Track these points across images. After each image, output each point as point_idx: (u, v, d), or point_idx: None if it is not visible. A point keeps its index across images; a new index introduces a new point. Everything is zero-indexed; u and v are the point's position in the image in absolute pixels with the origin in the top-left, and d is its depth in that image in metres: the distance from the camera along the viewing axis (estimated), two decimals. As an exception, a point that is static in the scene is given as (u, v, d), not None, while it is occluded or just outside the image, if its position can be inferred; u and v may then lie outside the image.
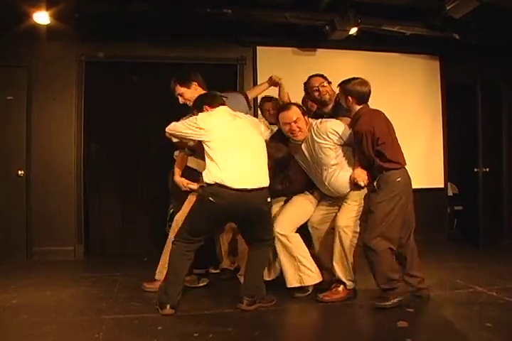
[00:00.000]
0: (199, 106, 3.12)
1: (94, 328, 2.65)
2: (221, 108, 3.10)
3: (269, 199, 3.03)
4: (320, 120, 3.30)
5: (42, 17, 4.08)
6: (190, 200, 3.39)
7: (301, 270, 3.28)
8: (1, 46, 4.49)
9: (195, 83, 3.49)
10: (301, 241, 3.35)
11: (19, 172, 4.62)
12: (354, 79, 3.16)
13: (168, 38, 4.76)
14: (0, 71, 4.60)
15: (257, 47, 5.07)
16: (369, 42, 5.03)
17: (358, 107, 3.14)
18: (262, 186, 2.94)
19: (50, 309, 3.02)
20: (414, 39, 4.90)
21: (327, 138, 3.19)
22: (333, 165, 3.21)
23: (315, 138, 3.22)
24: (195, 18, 4.46)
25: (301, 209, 3.45)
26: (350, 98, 3.13)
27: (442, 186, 5.52)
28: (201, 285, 3.62)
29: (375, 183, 3.12)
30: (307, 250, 3.36)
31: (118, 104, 4.88)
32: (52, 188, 4.68)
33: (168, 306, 2.91)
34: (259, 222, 3.06)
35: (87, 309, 3.02)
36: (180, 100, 3.51)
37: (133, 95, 4.86)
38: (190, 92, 3.46)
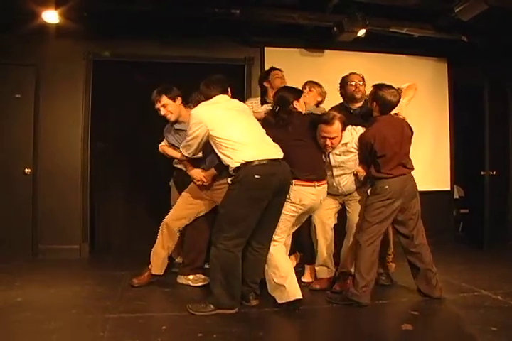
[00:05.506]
0: (223, 85, 3.14)
1: (98, 326, 2.66)
2: (222, 96, 3.12)
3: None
4: (352, 127, 3.33)
5: (51, 16, 4.11)
6: (180, 205, 3.50)
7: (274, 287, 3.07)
8: (9, 44, 4.51)
9: (180, 98, 3.47)
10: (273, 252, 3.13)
11: (26, 170, 4.63)
12: (389, 87, 3.20)
13: (176, 37, 4.77)
14: (8, 69, 4.62)
15: (265, 48, 5.07)
16: (377, 43, 5.03)
17: (377, 114, 3.22)
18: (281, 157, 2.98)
19: (55, 307, 3.04)
20: (422, 41, 4.88)
21: (357, 148, 3.30)
22: (353, 170, 3.35)
23: (350, 148, 3.30)
24: (203, 18, 4.47)
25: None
26: (375, 103, 3.19)
27: (448, 189, 5.51)
28: (203, 284, 3.58)
29: (368, 191, 3.31)
30: (283, 264, 3.11)
31: (125, 103, 4.89)
32: (58, 186, 4.69)
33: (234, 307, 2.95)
34: (283, 203, 3.07)
35: (91, 307, 3.03)
36: (162, 111, 3.43)
37: (140, 94, 4.83)
38: (175, 106, 3.44)
